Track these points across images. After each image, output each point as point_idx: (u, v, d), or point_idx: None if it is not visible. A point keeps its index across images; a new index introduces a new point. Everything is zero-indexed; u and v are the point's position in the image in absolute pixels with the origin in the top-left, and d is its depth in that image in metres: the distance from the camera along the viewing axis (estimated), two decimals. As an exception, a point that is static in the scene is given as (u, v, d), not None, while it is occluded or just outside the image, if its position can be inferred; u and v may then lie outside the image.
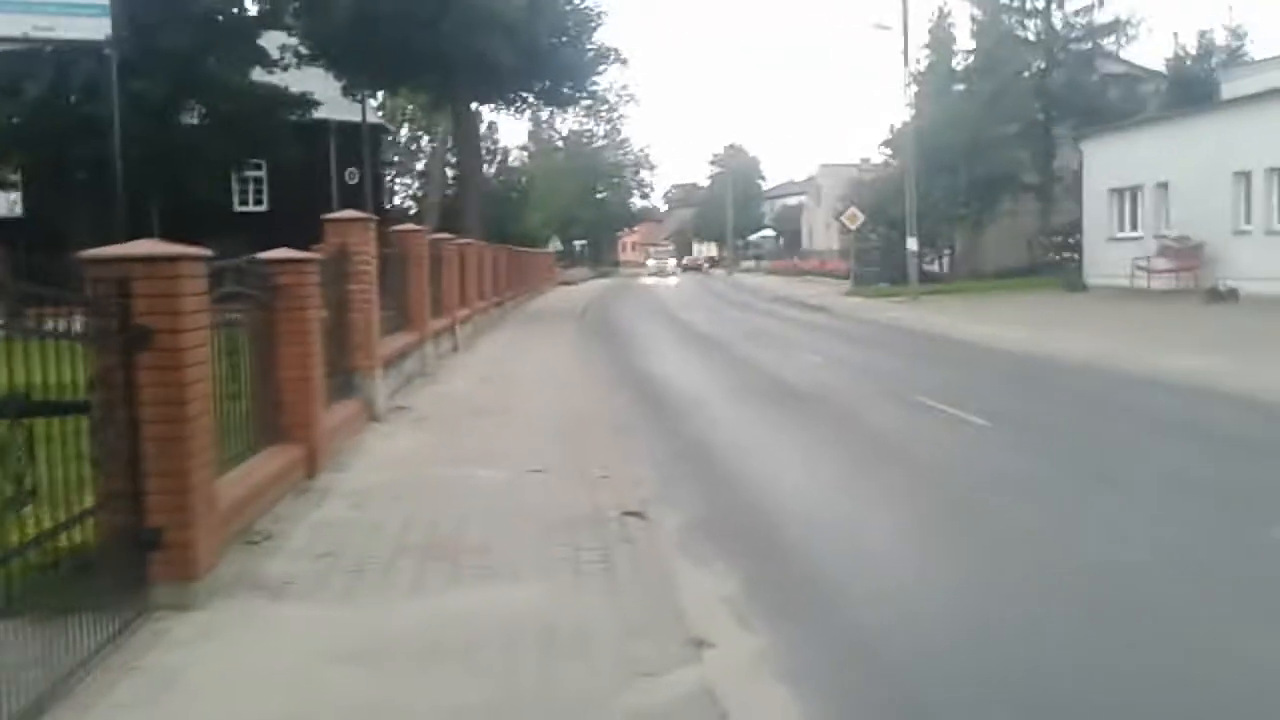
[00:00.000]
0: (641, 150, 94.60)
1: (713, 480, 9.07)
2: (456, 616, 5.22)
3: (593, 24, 37.86)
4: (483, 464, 8.96)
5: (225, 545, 6.01)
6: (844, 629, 5.45)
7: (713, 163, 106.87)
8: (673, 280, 69.40)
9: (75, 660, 4.39)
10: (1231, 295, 26.23)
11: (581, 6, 37.52)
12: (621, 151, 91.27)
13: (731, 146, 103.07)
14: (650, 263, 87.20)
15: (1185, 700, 4.57)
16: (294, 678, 4.56)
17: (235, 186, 37.69)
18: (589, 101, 47.23)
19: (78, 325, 4.80)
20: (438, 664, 4.66)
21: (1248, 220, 28.08)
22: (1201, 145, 29.51)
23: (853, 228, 41.29)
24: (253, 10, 31.07)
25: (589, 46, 38.32)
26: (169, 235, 6.33)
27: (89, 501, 4.85)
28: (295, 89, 32.28)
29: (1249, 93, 29.81)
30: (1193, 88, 38.18)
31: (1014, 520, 7.53)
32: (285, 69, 32.34)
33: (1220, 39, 41.95)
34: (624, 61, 40.02)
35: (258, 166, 36.82)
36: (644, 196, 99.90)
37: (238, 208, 37.74)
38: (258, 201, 38.91)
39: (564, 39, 36.84)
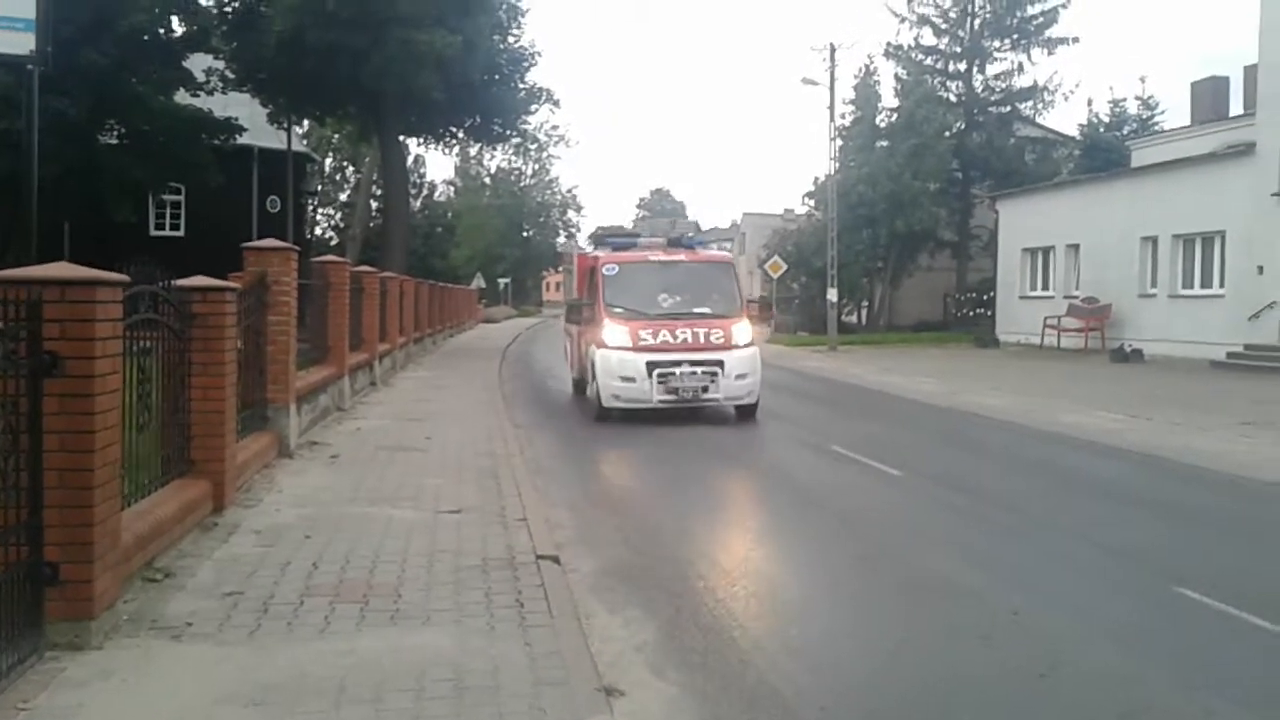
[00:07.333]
0: (569, 190, 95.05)
1: (629, 525, 9.05)
2: (365, 660, 5.11)
3: (525, 64, 38.00)
4: (397, 503, 8.84)
5: (126, 582, 5.82)
6: (757, 679, 5.45)
7: (639, 206, 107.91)
8: None
9: (-40, 700, 4.20)
10: (1136, 355, 27.13)
11: (515, 46, 37.65)
12: (549, 191, 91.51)
13: (658, 190, 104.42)
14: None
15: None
16: (193, 721, 4.42)
17: (152, 210, 36.94)
18: (519, 140, 47.21)
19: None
20: (345, 709, 4.55)
21: (1153, 284, 29.13)
22: (1112, 210, 30.61)
23: (775, 276, 41.88)
24: (179, 31, 30.54)
25: (521, 86, 38.42)
26: (80, 257, 6.18)
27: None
28: (220, 113, 31.75)
29: (1158, 161, 31.06)
30: (1105, 154, 39.65)
31: (927, 570, 7.62)
32: (210, 93, 31.80)
33: (1132, 109, 43.70)
34: (555, 102, 40.14)
35: (176, 190, 36.11)
36: (570, 237, 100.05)
37: (154, 232, 36.98)
38: (174, 226, 38.15)
39: (496, 77, 36.86)
